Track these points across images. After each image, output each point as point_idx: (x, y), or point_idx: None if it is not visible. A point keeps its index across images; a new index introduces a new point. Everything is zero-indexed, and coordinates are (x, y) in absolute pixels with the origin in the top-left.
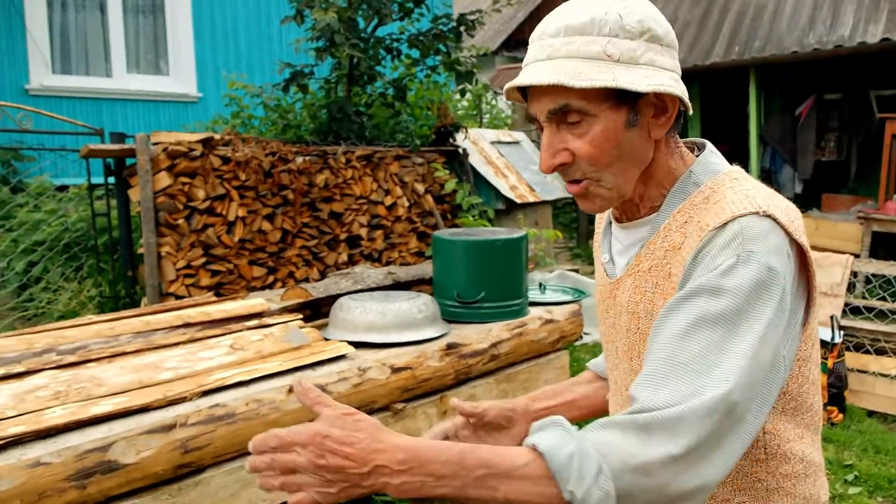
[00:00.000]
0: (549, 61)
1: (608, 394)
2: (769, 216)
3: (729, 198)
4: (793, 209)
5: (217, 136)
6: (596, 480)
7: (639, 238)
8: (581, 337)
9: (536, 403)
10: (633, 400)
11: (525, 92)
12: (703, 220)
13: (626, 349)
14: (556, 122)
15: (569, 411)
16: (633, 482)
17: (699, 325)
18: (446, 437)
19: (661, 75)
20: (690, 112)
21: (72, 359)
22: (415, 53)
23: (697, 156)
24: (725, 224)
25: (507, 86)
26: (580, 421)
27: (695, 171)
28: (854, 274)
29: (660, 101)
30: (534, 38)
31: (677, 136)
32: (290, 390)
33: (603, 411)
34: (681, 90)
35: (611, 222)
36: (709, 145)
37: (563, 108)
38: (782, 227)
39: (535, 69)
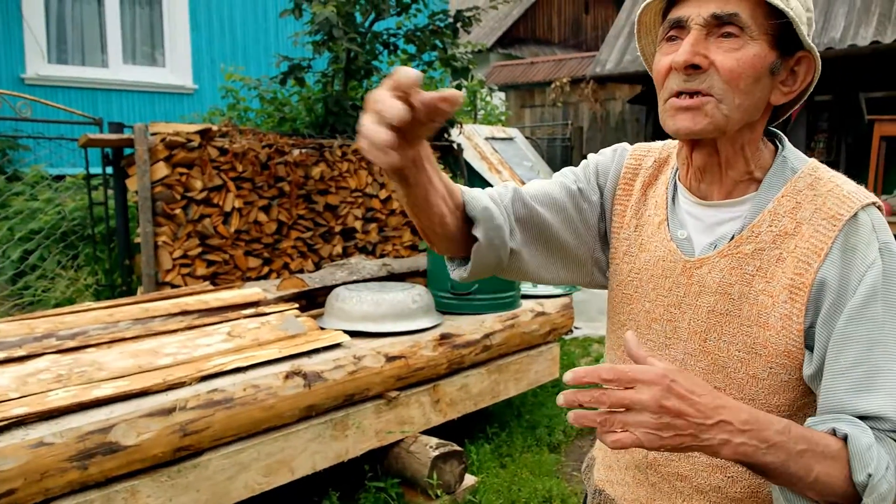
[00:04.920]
0: None
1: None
2: (879, 207)
3: (844, 187)
4: None
5: (215, 128)
6: (885, 473)
7: (728, 218)
8: (571, 330)
9: (431, 161)
10: (881, 417)
11: (670, 1)
12: (825, 209)
13: (700, 329)
14: (707, 31)
15: (430, 192)
16: None
17: (888, 333)
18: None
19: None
20: (799, 102)
21: (72, 343)
22: (411, 49)
23: (776, 144)
24: (856, 214)
25: None
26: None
27: (788, 157)
28: None
29: (793, 73)
30: None
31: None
32: (287, 377)
33: (437, 228)
34: (818, 72)
35: (674, 199)
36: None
37: (730, 14)
38: (884, 216)
39: None
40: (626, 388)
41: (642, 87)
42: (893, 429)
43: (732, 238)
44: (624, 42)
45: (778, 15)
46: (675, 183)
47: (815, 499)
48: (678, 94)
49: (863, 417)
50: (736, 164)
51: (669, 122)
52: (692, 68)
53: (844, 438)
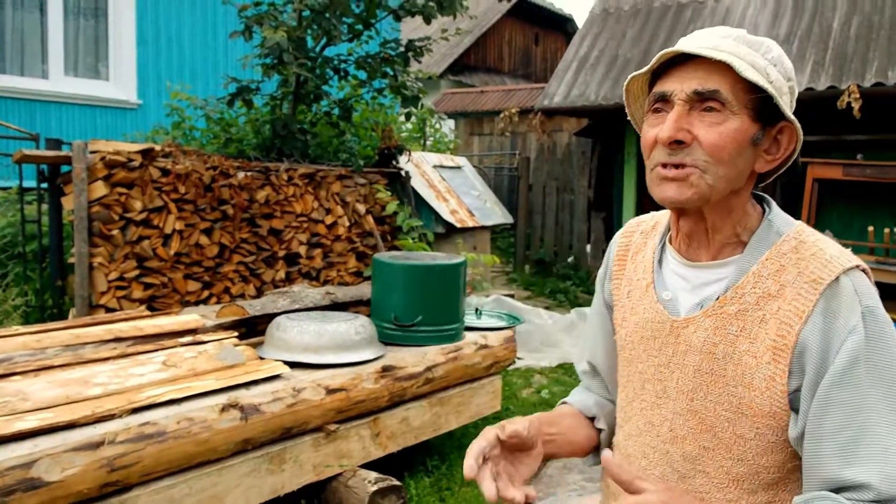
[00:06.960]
0: (717, 50)
1: (619, 433)
2: (864, 271)
3: (827, 251)
4: None
5: (157, 148)
6: None
7: (714, 279)
8: (514, 362)
9: (545, 428)
10: (864, 486)
11: (655, 73)
12: (807, 272)
13: (687, 389)
14: (690, 106)
15: (565, 442)
16: None
17: (871, 398)
18: (485, 459)
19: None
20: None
21: None
22: (362, 75)
23: (763, 207)
24: (838, 278)
25: (666, 50)
26: (564, 457)
27: (774, 221)
28: None
29: (776, 141)
30: (696, 34)
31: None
32: (223, 409)
33: (585, 449)
34: (800, 140)
35: (661, 261)
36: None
37: (711, 92)
38: (870, 280)
39: (706, 49)
40: None
41: (589, 120)
42: (877, 499)
43: (718, 299)
44: (572, 76)
45: (758, 89)
46: (664, 246)
47: None
48: (664, 165)
49: (847, 487)
50: (723, 228)
51: (656, 191)
52: (676, 143)
53: None
